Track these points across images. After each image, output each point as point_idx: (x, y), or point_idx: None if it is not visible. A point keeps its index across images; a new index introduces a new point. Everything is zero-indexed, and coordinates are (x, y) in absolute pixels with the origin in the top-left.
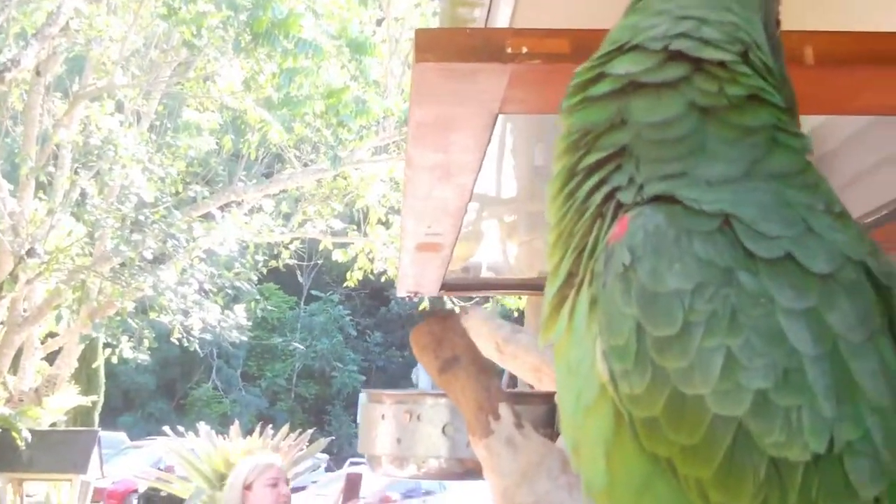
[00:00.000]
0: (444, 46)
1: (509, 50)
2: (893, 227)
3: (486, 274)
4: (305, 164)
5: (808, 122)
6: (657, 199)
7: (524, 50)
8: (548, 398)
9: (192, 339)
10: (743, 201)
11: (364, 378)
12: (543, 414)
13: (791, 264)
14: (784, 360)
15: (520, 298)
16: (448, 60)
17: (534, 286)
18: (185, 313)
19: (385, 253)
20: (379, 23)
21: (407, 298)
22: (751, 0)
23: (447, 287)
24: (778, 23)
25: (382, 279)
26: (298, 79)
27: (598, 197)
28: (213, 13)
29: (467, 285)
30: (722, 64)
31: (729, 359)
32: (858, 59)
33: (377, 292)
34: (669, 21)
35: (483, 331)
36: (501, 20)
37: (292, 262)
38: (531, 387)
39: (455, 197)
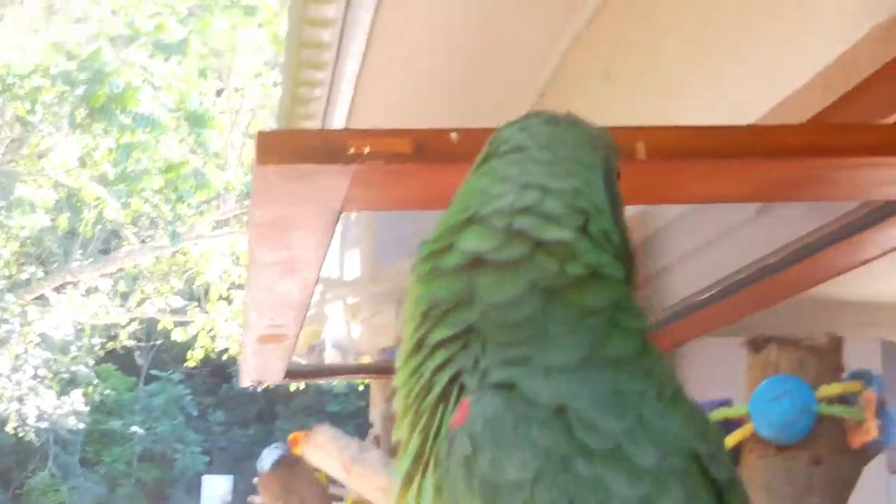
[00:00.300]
0: (286, 148)
1: (352, 150)
2: (718, 308)
3: (330, 352)
4: (143, 241)
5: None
6: (498, 385)
7: (366, 150)
8: None
9: (27, 427)
10: (578, 392)
11: (207, 459)
12: None
13: (622, 454)
14: None
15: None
16: (290, 162)
17: (376, 369)
18: (20, 400)
19: (227, 330)
20: (219, 94)
21: (250, 388)
22: (591, 159)
23: (291, 374)
24: (618, 174)
25: (224, 357)
26: (136, 153)
27: (443, 377)
28: (48, 88)
29: (311, 372)
30: (562, 242)
31: None
32: (686, 153)
33: (218, 370)
34: (514, 191)
35: (330, 450)
36: (340, 113)
37: (131, 342)
38: None
39: (298, 290)
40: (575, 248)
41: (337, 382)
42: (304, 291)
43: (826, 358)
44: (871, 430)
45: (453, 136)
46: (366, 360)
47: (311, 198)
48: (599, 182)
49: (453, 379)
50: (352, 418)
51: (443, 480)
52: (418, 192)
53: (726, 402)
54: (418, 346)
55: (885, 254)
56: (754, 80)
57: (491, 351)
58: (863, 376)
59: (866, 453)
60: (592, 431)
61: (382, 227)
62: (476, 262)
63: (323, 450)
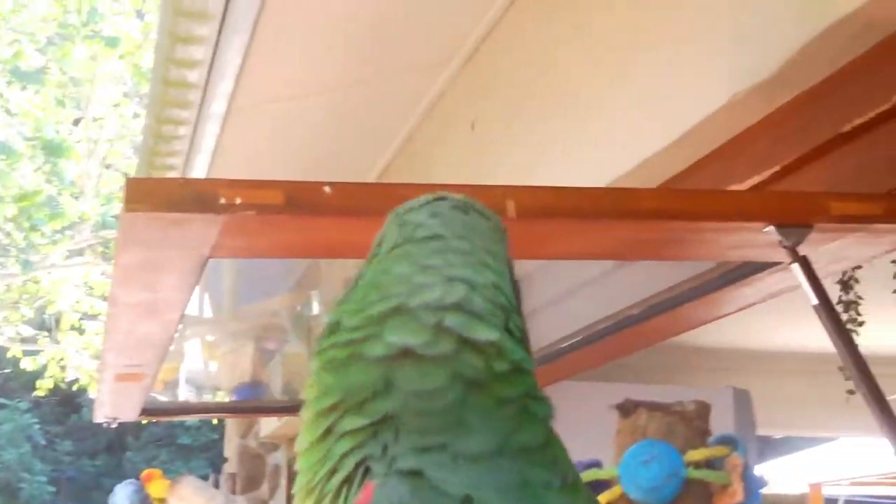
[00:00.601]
0: (155, 196)
1: (222, 200)
2: (581, 354)
3: (185, 389)
4: None
5: None
6: (405, 472)
7: (238, 201)
8: None
9: None
10: (486, 482)
11: (54, 489)
12: None
13: None
14: None
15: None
16: (158, 210)
17: (233, 409)
18: None
19: (77, 360)
20: (76, 123)
21: (105, 425)
22: (500, 248)
23: (147, 412)
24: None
25: (74, 387)
26: None
27: (349, 462)
28: None
29: (168, 410)
30: (490, 342)
31: None
32: (551, 212)
33: (68, 399)
34: (441, 284)
35: (195, 501)
36: (204, 153)
37: None
38: None
39: (161, 331)
40: (501, 347)
41: None
42: (166, 332)
43: (693, 424)
44: (738, 494)
45: (327, 189)
46: (222, 396)
47: (179, 244)
48: (508, 273)
49: (359, 464)
50: (203, 451)
51: None
52: (288, 241)
53: (596, 464)
54: (326, 433)
55: (739, 310)
56: (615, 140)
57: (403, 439)
58: (729, 441)
59: None
60: None
61: (243, 267)
62: (402, 354)
63: (187, 501)
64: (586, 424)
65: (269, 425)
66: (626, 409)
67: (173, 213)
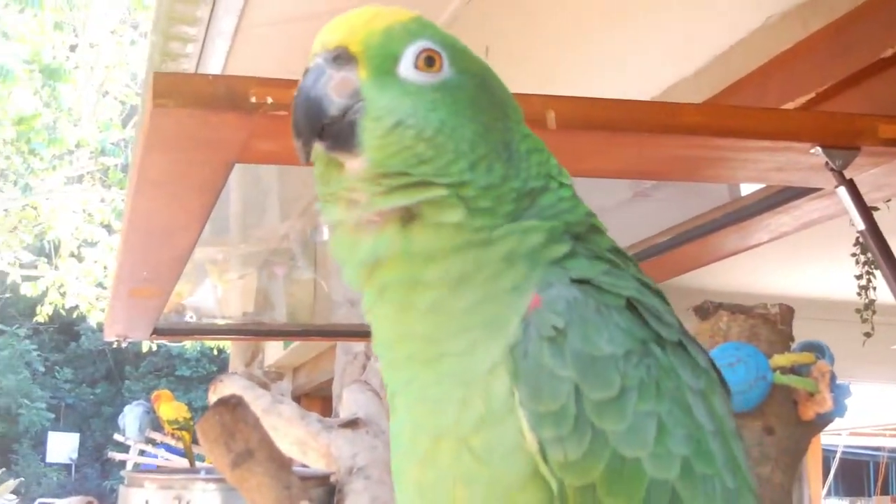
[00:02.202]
0: (184, 92)
1: (253, 99)
2: None
3: (191, 313)
4: None
5: None
6: (573, 280)
7: (269, 100)
8: (324, 479)
9: None
10: (641, 291)
11: (53, 416)
12: (323, 495)
13: (682, 349)
14: (695, 432)
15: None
16: (186, 107)
17: (242, 331)
18: None
19: (77, 287)
20: (73, 49)
21: (115, 343)
22: None
23: (158, 332)
24: None
25: (74, 314)
26: None
27: (505, 284)
28: None
29: (178, 330)
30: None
31: (659, 424)
32: (592, 124)
33: (67, 327)
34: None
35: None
36: (217, 56)
37: None
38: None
39: (180, 244)
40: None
41: (190, 346)
42: (185, 245)
43: (777, 327)
44: (826, 402)
45: None
46: (229, 323)
47: (206, 146)
48: None
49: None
50: (202, 382)
51: (518, 364)
52: None
53: None
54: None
55: (772, 240)
56: (645, 64)
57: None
58: (815, 348)
59: (816, 424)
60: (661, 324)
61: (256, 186)
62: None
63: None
64: None
65: (274, 354)
66: (706, 310)
67: (202, 110)
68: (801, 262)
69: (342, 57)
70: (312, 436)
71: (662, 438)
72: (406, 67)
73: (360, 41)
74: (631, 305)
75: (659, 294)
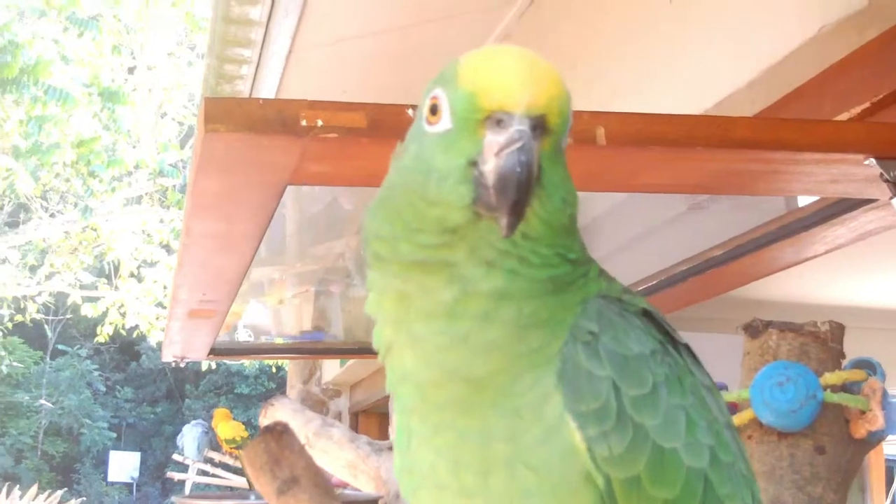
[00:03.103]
0: (235, 117)
1: (304, 122)
2: (658, 298)
3: (247, 332)
4: (52, 215)
5: None
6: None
7: (319, 123)
8: (372, 503)
9: None
10: (649, 304)
11: (114, 435)
12: None
13: (688, 350)
14: (714, 424)
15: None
16: (238, 131)
17: (299, 350)
18: None
19: (136, 307)
20: (131, 71)
21: (173, 363)
22: None
23: (215, 352)
24: None
25: (134, 334)
26: (48, 126)
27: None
28: None
29: (235, 350)
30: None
31: (687, 417)
32: (643, 139)
33: (127, 346)
34: None
35: (292, 424)
36: (271, 77)
37: (39, 316)
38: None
39: (234, 265)
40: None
41: (249, 364)
42: (240, 266)
43: (828, 345)
44: (878, 419)
45: (410, 112)
46: (284, 342)
47: (258, 169)
48: None
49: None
50: (261, 400)
51: (563, 367)
52: (369, 167)
53: (722, 387)
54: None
55: (828, 252)
56: (700, 75)
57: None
58: (866, 364)
59: (868, 442)
60: (672, 329)
61: (309, 207)
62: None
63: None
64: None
65: (331, 371)
66: (755, 329)
67: (253, 134)
68: (854, 272)
69: (540, 127)
70: (362, 458)
71: (692, 429)
72: (565, 142)
73: (557, 113)
74: (646, 313)
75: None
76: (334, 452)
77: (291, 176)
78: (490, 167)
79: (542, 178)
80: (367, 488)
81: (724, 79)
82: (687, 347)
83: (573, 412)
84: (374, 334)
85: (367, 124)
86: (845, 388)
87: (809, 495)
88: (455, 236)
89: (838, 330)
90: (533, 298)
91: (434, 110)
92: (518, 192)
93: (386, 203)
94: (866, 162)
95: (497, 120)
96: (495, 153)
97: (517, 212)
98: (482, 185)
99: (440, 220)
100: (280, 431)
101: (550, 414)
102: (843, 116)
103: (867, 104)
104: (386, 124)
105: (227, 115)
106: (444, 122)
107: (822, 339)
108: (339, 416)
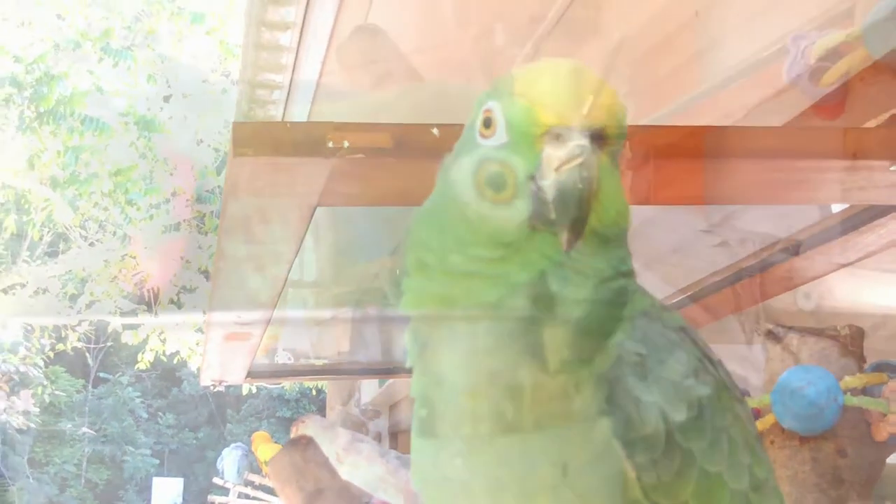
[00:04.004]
0: (263, 140)
1: (331, 144)
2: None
3: (285, 355)
4: (91, 244)
5: None
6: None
7: (346, 144)
8: None
9: None
10: (688, 325)
11: (157, 462)
12: None
13: (721, 365)
14: (750, 440)
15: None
16: (266, 154)
17: (337, 371)
18: None
19: (177, 333)
20: (166, 99)
21: (211, 387)
22: None
23: (253, 375)
24: None
25: (175, 360)
26: (84, 156)
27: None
28: None
29: (273, 372)
30: None
31: (729, 437)
32: (669, 151)
33: (168, 373)
34: None
35: (321, 440)
36: (303, 100)
37: (80, 344)
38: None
39: (268, 287)
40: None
41: (289, 387)
42: (273, 288)
43: (849, 349)
44: None
45: (435, 131)
46: (323, 363)
47: (288, 191)
48: None
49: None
50: None
51: (612, 390)
52: (397, 186)
53: (744, 393)
54: None
55: (859, 260)
56: (732, 84)
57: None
58: (886, 368)
59: (890, 445)
60: (706, 346)
61: (343, 228)
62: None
63: (315, 439)
64: None
65: (369, 392)
66: (777, 334)
67: (282, 157)
68: (876, 276)
69: (598, 140)
70: (392, 472)
71: (734, 451)
72: (619, 154)
73: (614, 125)
74: (682, 329)
75: None
76: (364, 467)
77: (321, 197)
78: (550, 182)
79: (599, 191)
80: (396, 501)
81: (752, 89)
82: (721, 363)
83: (622, 439)
84: (407, 332)
85: (393, 144)
86: (866, 391)
87: (833, 499)
88: (510, 249)
89: (858, 334)
90: (584, 308)
91: (488, 123)
92: (579, 207)
93: (435, 214)
94: (893, 168)
95: (556, 134)
96: (555, 168)
97: (578, 227)
98: (541, 200)
99: (496, 234)
100: (304, 444)
101: (599, 439)
102: (871, 123)
103: (894, 111)
104: (411, 144)
105: (255, 138)
106: (500, 136)
107: (843, 343)
108: (378, 437)
